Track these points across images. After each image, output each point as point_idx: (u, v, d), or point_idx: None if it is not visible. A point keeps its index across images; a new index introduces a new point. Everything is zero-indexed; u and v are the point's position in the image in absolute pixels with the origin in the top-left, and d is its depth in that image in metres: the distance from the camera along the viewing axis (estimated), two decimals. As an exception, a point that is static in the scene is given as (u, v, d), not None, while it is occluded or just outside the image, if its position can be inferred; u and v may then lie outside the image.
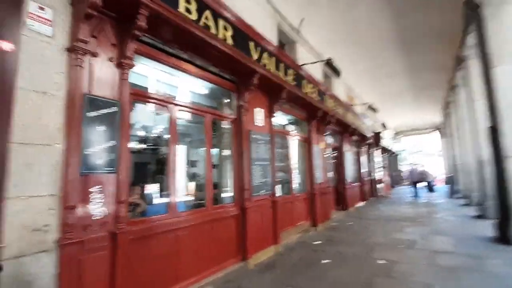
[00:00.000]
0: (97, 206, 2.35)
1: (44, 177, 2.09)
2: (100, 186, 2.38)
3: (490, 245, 4.60)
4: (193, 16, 3.01)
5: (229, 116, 4.27)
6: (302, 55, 7.04)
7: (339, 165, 9.22)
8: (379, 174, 14.68)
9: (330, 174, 8.45)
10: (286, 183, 5.95)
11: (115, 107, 2.53)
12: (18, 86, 2.01)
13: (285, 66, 4.95)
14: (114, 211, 2.46)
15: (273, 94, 5.02)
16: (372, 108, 9.35)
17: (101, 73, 2.51)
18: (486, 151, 6.65)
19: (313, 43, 7.73)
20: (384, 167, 14.84)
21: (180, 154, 4.70)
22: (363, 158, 12.12)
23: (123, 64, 2.64)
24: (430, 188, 14.03)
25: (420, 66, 11.09)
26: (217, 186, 4.30)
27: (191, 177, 5.07)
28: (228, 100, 4.39)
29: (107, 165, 2.42)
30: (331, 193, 8.11)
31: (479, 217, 7.12)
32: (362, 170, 11.58)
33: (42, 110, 2.13)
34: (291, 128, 6.67)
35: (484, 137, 6.92)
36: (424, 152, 36.55)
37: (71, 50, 2.32)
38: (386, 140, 18.06)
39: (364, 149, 12.32)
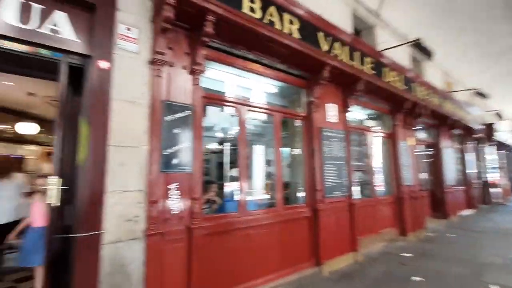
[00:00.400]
0: (175, 202, 2.58)
1: (133, 174, 2.41)
2: (177, 184, 2.61)
3: None
4: (257, 14, 2.99)
5: (299, 113, 4.11)
6: (384, 40, 6.22)
7: (436, 165, 7.79)
8: (493, 175, 11.79)
9: (424, 175, 7.22)
10: (367, 184, 5.36)
11: (188, 111, 2.74)
12: (113, 97, 2.38)
13: (361, 54, 4.45)
14: (189, 207, 2.66)
15: (348, 87, 4.59)
16: (480, 94, 7.48)
17: (176, 81, 2.75)
18: None
19: (397, 24, 6.74)
20: (500, 167, 11.79)
21: (255, 154, 4.83)
22: (470, 156, 9.94)
23: (194, 71, 2.83)
24: None
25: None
26: (288, 186, 4.20)
27: (268, 176, 5.11)
28: (298, 97, 4.23)
29: (183, 164, 2.64)
30: (425, 197, 6.91)
31: None
32: (468, 171, 9.51)
33: (132, 117, 2.47)
34: (372, 123, 5.99)
35: None
36: None
37: (152, 62, 2.62)
38: (503, 133, 14.35)
39: (470, 145, 10.10)
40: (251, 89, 3.91)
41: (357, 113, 5.63)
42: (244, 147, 3.36)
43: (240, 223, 3.11)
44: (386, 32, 6.53)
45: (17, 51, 2.11)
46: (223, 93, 3.56)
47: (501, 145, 14.26)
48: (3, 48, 2.06)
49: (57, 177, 2.16)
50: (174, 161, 2.58)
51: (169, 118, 2.61)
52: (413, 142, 6.31)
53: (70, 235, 2.18)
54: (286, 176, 4.13)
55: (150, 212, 2.43)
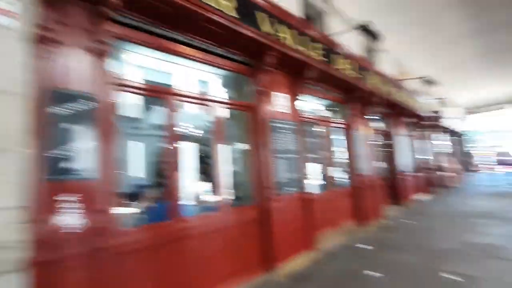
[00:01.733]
0: (73, 217, 2.02)
1: (5, 187, 1.81)
2: (76, 194, 2.05)
3: None
4: (178, -16, 2.50)
5: (244, 104, 3.70)
6: (336, 29, 6.06)
7: (391, 153, 7.92)
8: (445, 160, 12.55)
9: (381, 164, 7.28)
10: (324, 177, 5.16)
11: (90, 101, 2.18)
12: (-30, 85, 1.75)
13: (310, 40, 4.16)
14: (97, 222, 2.11)
15: (298, 75, 4.28)
16: (429, 82, 7.72)
17: (71, 64, 2.17)
18: None
19: (351, 13, 6.64)
20: (452, 153, 12.58)
21: (187, 152, 4.32)
22: (424, 143, 10.40)
23: (98, 52, 2.27)
24: None
25: (492, 27, 8.93)
26: (236, 185, 3.80)
27: (205, 176, 4.65)
28: (242, 86, 3.82)
29: (83, 170, 2.08)
30: (382, 185, 6.97)
31: None
32: (422, 157, 9.92)
33: (2, 111, 1.86)
34: (327, 113, 5.80)
35: None
36: (503, 131, 30.85)
37: (36, 40, 2.01)
38: (452, 120, 15.42)
39: (424, 132, 10.56)
40: (183, 76, 3.42)
41: (312, 104, 5.39)
42: (173, 144, 2.87)
43: (174, 233, 2.64)
44: (339, 21, 6.38)
45: None
46: (144, 80, 3.02)
47: (452, 132, 15.31)
48: None
49: None
50: (68, 166, 2.02)
51: (60, 111, 2.03)
52: (369, 131, 6.27)
53: None
54: (233, 175, 3.71)
55: (36, 234, 1.85)
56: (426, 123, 11.07)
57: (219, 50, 3.35)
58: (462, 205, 7.34)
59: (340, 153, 5.71)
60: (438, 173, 11.86)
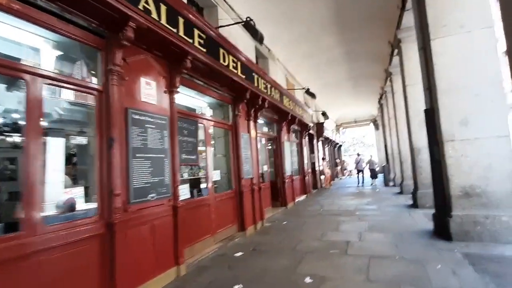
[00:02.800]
0: None
1: None
2: None
3: (430, 242, 4.04)
4: None
5: (87, 86, 2.80)
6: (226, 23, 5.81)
7: (277, 157, 8.33)
8: (321, 165, 14.47)
9: (266, 168, 7.50)
10: (201, 181, 4.71)
11: None
12: None
13: (188, 23, 3.64)
14: None
15: (175, 62, 3.69)
16: (310, 94, 8.61)
17: None
18: (421, 138, 6.40)
19: (243, 13, 6.56)
20: (324, 158, 14.67)
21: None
22: (305, 149, 11.58)
23: None
24: (374, 175, 14.24)
25: (359, 55, 10.87)
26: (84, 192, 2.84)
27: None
28: (89, 61, 2.92)
29: None
30: (267, 188, 7.16)
31: (413, 206, 6.92)
32: (304, 162, 11.01)
33: None
34: (210, 112, 5.41)
35: (418, 124, 6.69)
36: (364, 143, 39.21)
37: None
38: (329, 131, 18.17)
39: (306, 139, 11.79)
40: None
41: (194, 100, 4.88)
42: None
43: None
44: (232, 17, 6.17)
45: None
46: None
47: (327, 140, 17.96)
48: None
49: None
50: None
51: None
52: (255, 135, 6.27)
53: None
54: (65, 179, 2.74)
55: None
56: (310, 132, 12.46)
57: (55, 8, 2.38)
58: (330, 204, 8.38)
59: (225, 155, 5.43)
60: (319, 176, 13.55)
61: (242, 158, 5.47)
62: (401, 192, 9.56)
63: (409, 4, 5.83)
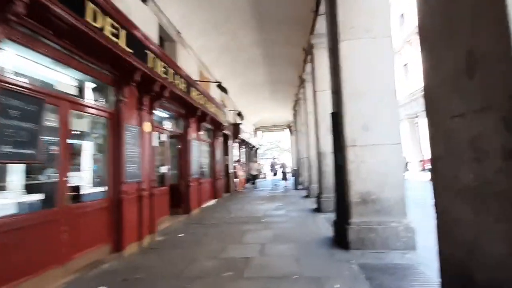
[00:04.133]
0: None
1: None
2: None
3: (330, 252, 3.78)
4: None
5: None
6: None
7: (182, 157, 7.27)
8: (236, 168, 14.03)
9: (166, 169, 6.35)
10: (47, 186, 3.31)
11: None
12: None
13: None
14: None
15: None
16: (222, 88, 7.84)
17: None
18: (327, 143, 6.49)
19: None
20: (239, 161, 14.32)
21: None
22: (218, 150, 10.84)
23: None
24: (285, 177, 15.15)
25: (276, 58, 10.89)
26: None
27: None
28: None
29: None
30: (164, 194, 6.02)
31: (317, 210, 7.00)
32: (216, 164, 10.23)
33: None
34: (74, 91, 3.98)
35: (325, 129, 6.82)
36: (280, 148, 41.54)
37: None
38: (246, 134, 18.04)
39: (219, 140, 11.05)
40: None
41: (50, 72, 3.43)
42: None
43: None
44: None
45: None
46: None
47: (243, 143, 17.77)
48: None
49: None
50: None
51: None
52: (149, 129, 5.10)
53: None
54: None
55: None
56: (225, 132, 11.79)
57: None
58: (239, 210, 7.83)
59: (98, 151, 4.10)
60: (229, 179, 12.98)
61: (125, 157, 4.23)
62: (308, 196, 9.86)
63: (322, 9, 5.83)
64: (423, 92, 1.84)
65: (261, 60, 10.95)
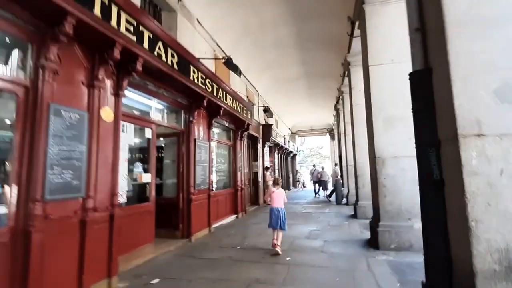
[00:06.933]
0: None
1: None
2: None
3: None
4: None
5: None
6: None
7: (181, 163, 5.49)
8: (266, 176, 11.96)
9: (149, 178, 4.57)
10: None
11: None
12: None
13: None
14: None
15: None
16: (231, 65, 5.39)
17: None
18: (386, 144, 4.29)
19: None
20: (267, 168, 12.07)
21: None
22: (242, 155, 8.98)
23: None
24: (325, 187, 13.68)
25: (312, 42, 8.83)
26: None
27: None
28: None
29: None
30: (144, 213, 4.32)
31: (371, 244, 4.62)
32: (237, 171, 8.36)
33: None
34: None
35: (384, 122, 4.54)
36: (321, 155, 38.12)
37: None
38: (281, 138, 15.92)
39: (244, 142, 9.19)
40: None
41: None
42: None
43: None
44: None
45: None
46: None
47: (277, 147, 15.65)
48: None
49: None
50: None
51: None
52: (111, 117, 3.40)
53: None
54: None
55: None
56: (253, 134, 9.95)
57: None
58: (257, 234, 5.81)
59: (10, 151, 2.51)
60: (258, 189, 11.03)
61: (49, 159, 2.58)
62: (355, 216, 7.43)
63: (357, 32, 5.27)
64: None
65: (301, 75, 11.25)
